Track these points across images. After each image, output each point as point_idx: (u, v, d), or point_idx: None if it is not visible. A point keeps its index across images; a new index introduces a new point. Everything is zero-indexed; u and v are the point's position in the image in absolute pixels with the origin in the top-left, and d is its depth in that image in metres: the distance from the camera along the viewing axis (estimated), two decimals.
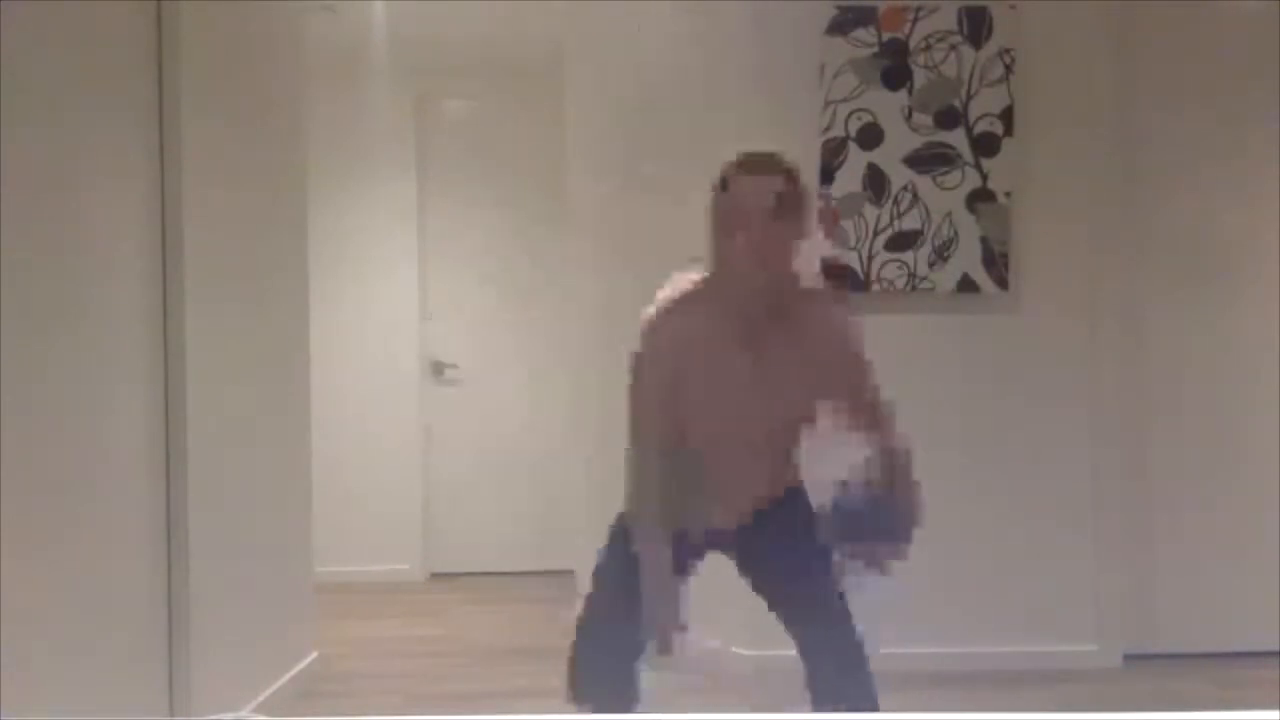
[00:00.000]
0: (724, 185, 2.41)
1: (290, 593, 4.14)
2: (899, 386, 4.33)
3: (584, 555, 4.96)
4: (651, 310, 2.58)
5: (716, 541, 2.70)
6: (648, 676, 2.80)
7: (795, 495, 2.74)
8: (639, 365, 2.60)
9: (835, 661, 2.63)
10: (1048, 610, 4.32)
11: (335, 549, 5.80)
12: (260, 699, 3.73)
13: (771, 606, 2.69)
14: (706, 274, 2.51)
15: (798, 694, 3.43)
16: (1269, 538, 4.38)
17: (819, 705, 2.63)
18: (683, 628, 2.54)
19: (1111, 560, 4.34)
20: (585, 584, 5.15)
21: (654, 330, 2.55)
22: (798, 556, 2.64)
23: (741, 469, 2.65)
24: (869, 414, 2.66)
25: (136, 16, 3.12)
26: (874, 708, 2.59)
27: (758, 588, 2.70)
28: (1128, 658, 4.31)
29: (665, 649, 2.51)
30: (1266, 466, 4.40)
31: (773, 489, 2.71)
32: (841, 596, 2.67)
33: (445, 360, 6.32)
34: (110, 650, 2.93)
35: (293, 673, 4.05)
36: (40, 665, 2.57)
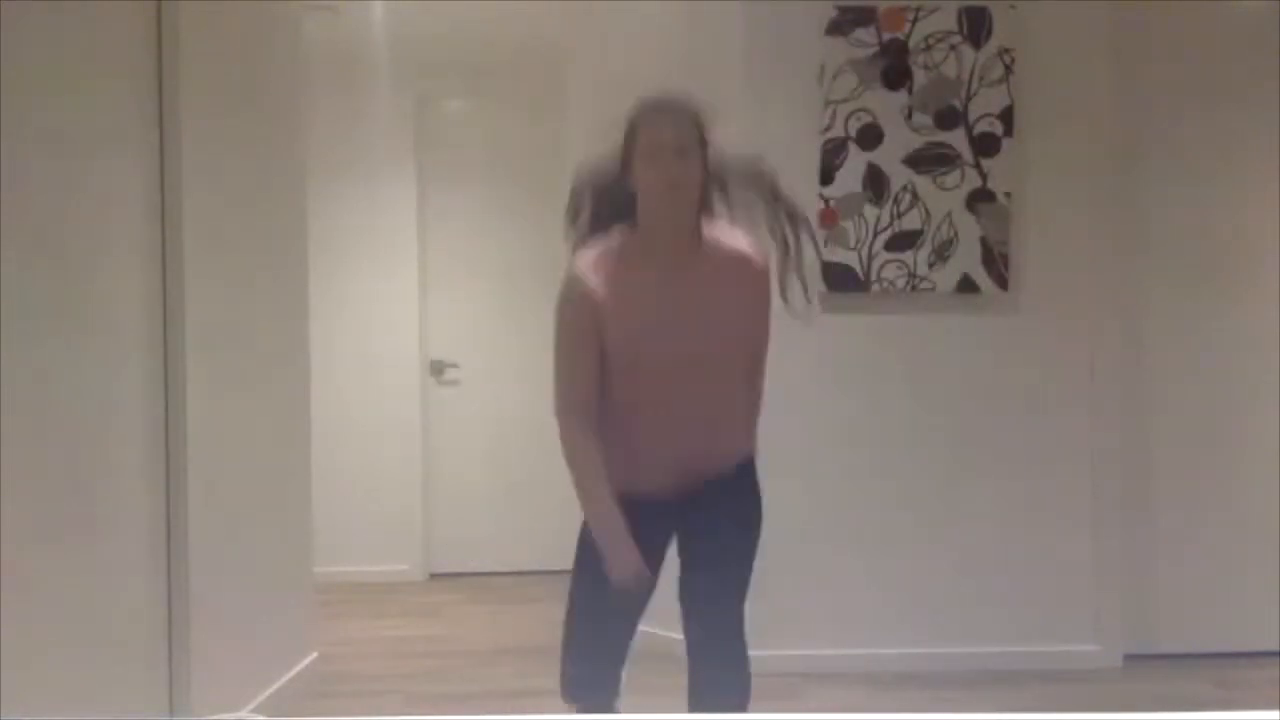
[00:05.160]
0: (638, 120, 2.60)
1: (290, 593, 4.14)
2: (899, 386, 4.37)
3: None
4: (575, 268, 2.67)
5: (672, 506, 2.72)
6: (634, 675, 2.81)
7: (744, 476, 2.78)
8: (561, 329, 2.75)
9: (720, 646, 2.71)
10: (1048, 610, 4.33)
11: (335, 549, 5.81)
12: (260, 699, 3.73)
13: (684, 565, 2.75)
14: (623, 231, 2.64)
15: (798, 694, 3.44)
16: (1269, 538, 4.38)
17: (695, 677, 2.70)
18: (643, 569, 2.58)
19: (1111, 560, 4.34)
20: None
21: (579, 287, 2.66)
22: (727, 541, 2.72)
23: (681, 420, 2.67)
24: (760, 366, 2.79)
25: (136, 17, 3.12)
26: (745, 695, 2.68)
27: (683, 546, 2.76)
28: (1128, 658, 4.32)
29: (627, 585, 2.57)
30: (1266, 467, 4.40)
31: (718, 450, 2.73)
32: (744, 586, 2.74)
33: (445, 360, 6.33)
34: (110, 650, 2.93)
35: (293, 673, 4.05)
36: (40, 665, 2.57)
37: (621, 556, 2.56)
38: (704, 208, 2.63)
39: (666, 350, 2.62)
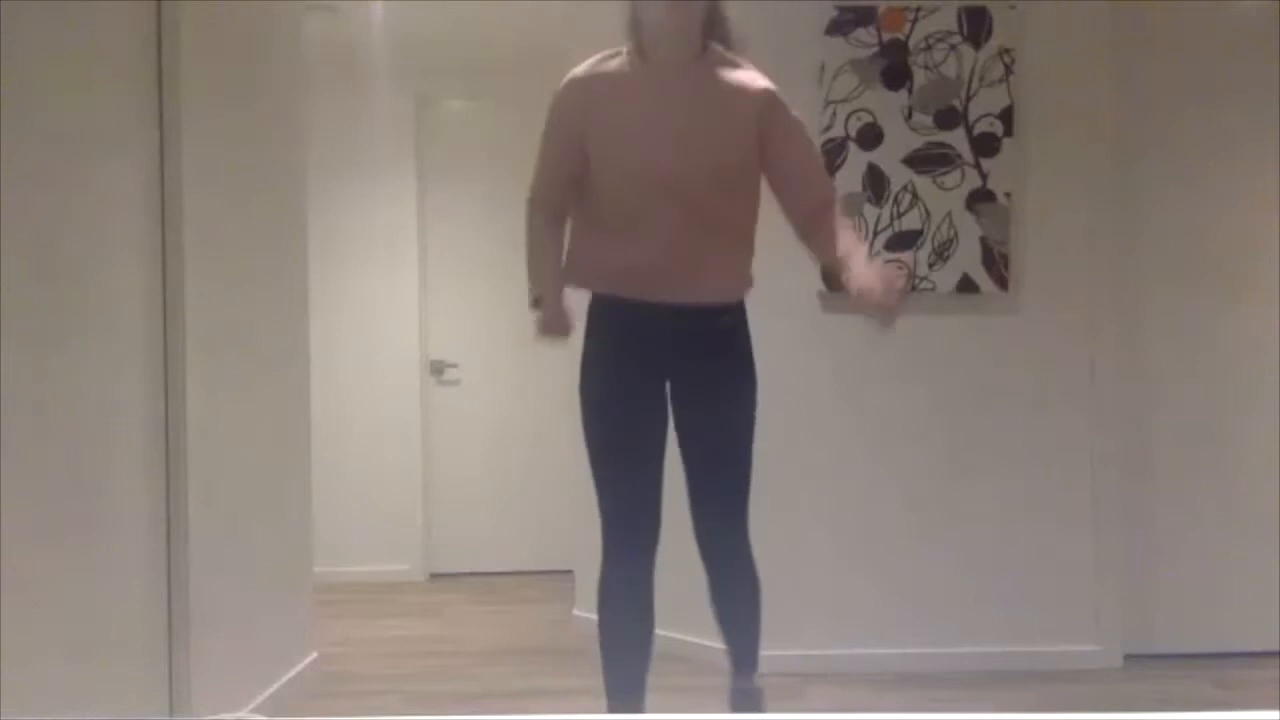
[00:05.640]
0: None
1: (290, 593, 4.14)
2: (899, 387, 4.37)
3: (584, 555, 4.97)
4: (571, 73, 2.73)
5: (648, 319, 2.73)
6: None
7: (734, 329, 2.78)
8: (546, 120, 2.78)
9: (721, 521, 2.79)
10: (1048, 610, 4.33)
11: (335, 549, 5.81)
12: (260, 699, 3.73)
13: (683, 444, 2.79)
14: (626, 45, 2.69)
15: (798, 694, 3.45)
16: (1268, 538, 4.38)
17: (711, 576, 2.79)
18: (564, 310, 2.71)
19: (1111, 560, 4.34)
20: (586, 583, 5.16)
21: (568, 88, 2.72)
22: (725, 420, 2.76)
23: (664, 234, 2.68)
24: (817, 186, 2.78)
25: (136, 17, 3.12)
26: (753, 575, 2.78)
27: (679, 423, 2.79)
28: (1128, 658, 4.32)
29: (550, 332, 2.71)
30: (1266, 467, 4.40)
31: (703, 276, 2.72)
32: (747, 464, 2.79)
33: (445, 360, 6.33)
34: (110, 650, 2.93)
35: (293, 673, 4.06)
36: (40, 665, 2.57)
37: (549, 313, 2.69)
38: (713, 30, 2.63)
39: (650, 160, 2.63)
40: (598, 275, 2.77)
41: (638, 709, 2.79)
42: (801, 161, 2.77)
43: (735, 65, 2.69)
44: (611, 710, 2.79)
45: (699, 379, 2.76)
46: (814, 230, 2.78)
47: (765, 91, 2.69)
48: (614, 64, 2.71)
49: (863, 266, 2.56)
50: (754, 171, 2.73)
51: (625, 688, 2.75)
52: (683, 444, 2.79)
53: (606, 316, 2.77)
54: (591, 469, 2.79)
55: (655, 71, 2.65)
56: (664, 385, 2.79)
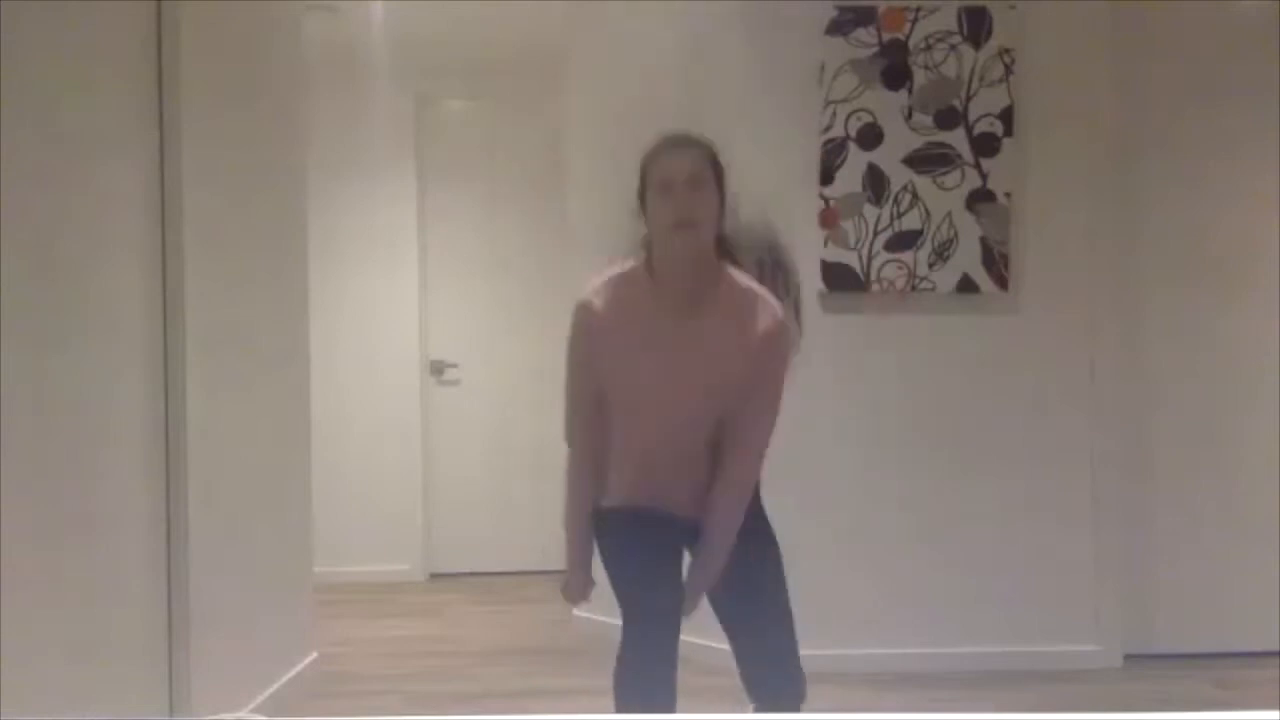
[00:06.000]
0: (654, 157, 2.59)
1: (290, 593, 4.14)
2: (899, 386, 4.37)
3: None
4: (585, 296, 2.63)
5: (681, 529, 2.72)
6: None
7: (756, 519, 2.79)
8: (568, 357, 2.69)
9: (771, 665, 2.79)
10: (1048, 610, 4.33)
11: (335, 549, 5.81)
12: (260, 699, 3.73)
13: (723, 622, 2.80)
14: (636, 260, 2.62)
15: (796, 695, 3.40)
16: (1268, 538, 4.38)
17: (755, 695, 2.78)
18: (589, 580, 2.79)
19: (1111, 560, 4.34)
20: None
21: (588, 316, 2.61)
22: (752, 564, 2.76)
23: (672, 459, 2.67)
24: (762, 432, 2.70)
25: (136, 17, 3.12)
26: (800, 699, 2.75)
27: (714, 602, 2.79)
28: (1128, 658, 4.32)
29: (569, 599, 2.85)
30: (1266, 467, 4.40)
31: (690, 493, 2.71)
32: (784, 596, 2.83)
33: (445, 360, 6.33)
34: (110, 650, 2.93)
35: (293, 673, 4.05)
36: (40, 665, 2.57)
37: (571, 577, 2.79)
38: (720, 250, 2.59)
39: (648, 387, 2.60)
40: (616, 492, 2.72)
41: None
42: (750, 403, 2.67)
43: (746, 297, 2.61)
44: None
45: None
46: (718, 458, 2.70)
47: (768, 336, 2.59)
48: (628, 291, 2.61)
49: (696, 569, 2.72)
50: (714, 409, 2.68)
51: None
52: (723, 622, 2.80)
53: (616, 520, 2.72)
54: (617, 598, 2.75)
55: (667, 307, 2.57)
56: (682, 549, 2.77)
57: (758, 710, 2.80)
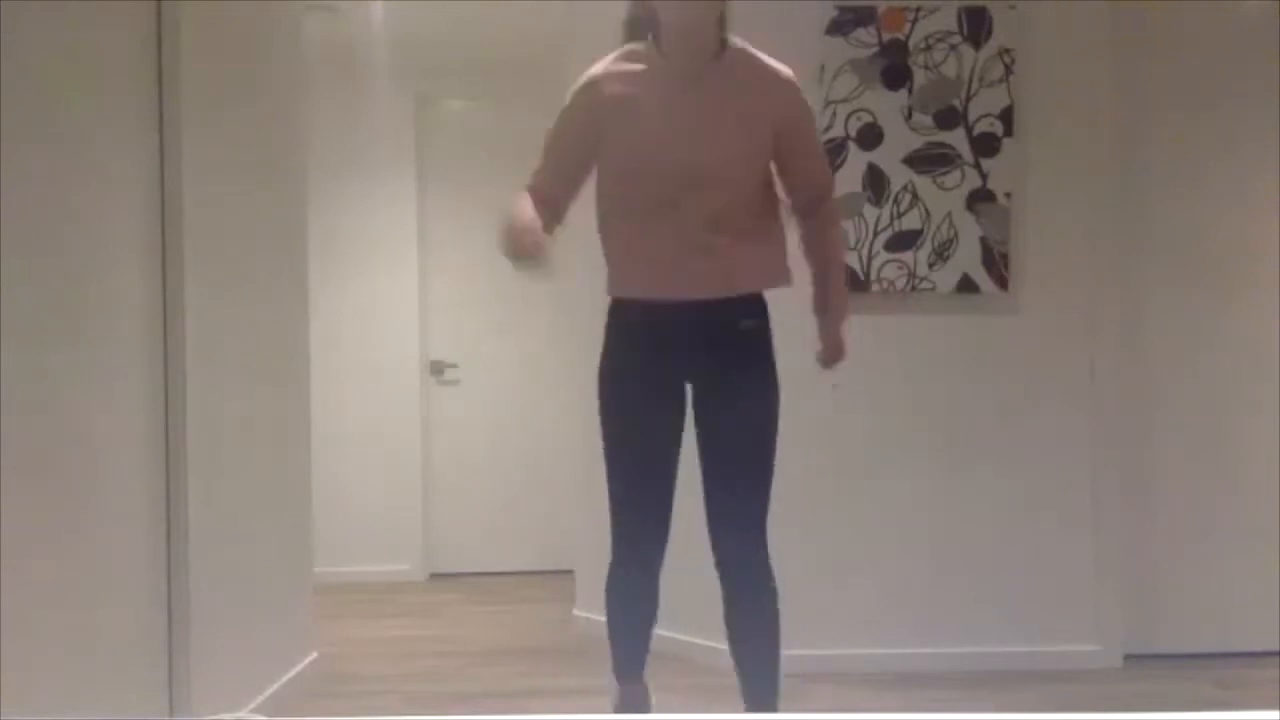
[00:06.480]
0: None
1: (290, 593, 4.14)
2: (899, 387, 4.37)
3: (584, 555, 4.98)
4: (591, 72, 2.68)
5: (669, 319, 2.69)
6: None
7: (757, 334, 2.75)
8: (560, 114, 2.72)
9: (739, 535, 2.73)
10: (1048, 610, 4.33)
11: (335, 549, 5.81)
12: (260, 699, 3.73)
13: (702, 451, 2.74)
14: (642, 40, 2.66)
15: (798, 694, 3.44)
16: (1269, 538, 4.38)
17: (724, 571, 2.73)
18: (540, 248, 2.49)
19: (1111, 560, 4.34)
20: (586, 583, 5.16)
21: (586, 87, 2.66)
22: (745, 428, 2.71)
23: (682, 233, 2.65)
24: (821, 177, 2.79)
25: (136, 17, 3.12)
26: (771, 589, 2.71)
27: (700, 427, 2.75)
28: (1128, 658, 4.32)
29: (521, 250, 2.48)
30: (1266, 467, 4.40)
31: (721, 277, 2.69)
32: (768, 475, 2.74)
33: (445, 360, 6.33)
34: (110, 650, 2.93)
35: (293, 673, 4.06)
36: (40, 665, 2.57)
37: (523, 231, 2.48)
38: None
39: (669, 159, 2.60)
40: (620, 279, 2.75)
41: (639, 687, 2.78)
42: (808, 154, 2.77)
43: (755, 59, 2.68)
44: (619, 682, 2.80)
45: (720, 383, 2.72)
46: (809, 231, 2.80)
47: (787, 86, 2.68)
48: (632, 63, 2.67)
49: (827, 330, 2.77)
50: (761, 167, 2.73)
51: (628, 671, 2.78)
52: (702, 451, 2.74)
53: (624, 318, 2.76)
54: (606, 464, 2.78)
55: (676, 69, 2.63)
56: (684, 387, 2.76)
57: (748, 709, 2.78)
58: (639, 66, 2.65)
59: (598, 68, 2.69)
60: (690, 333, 2.69)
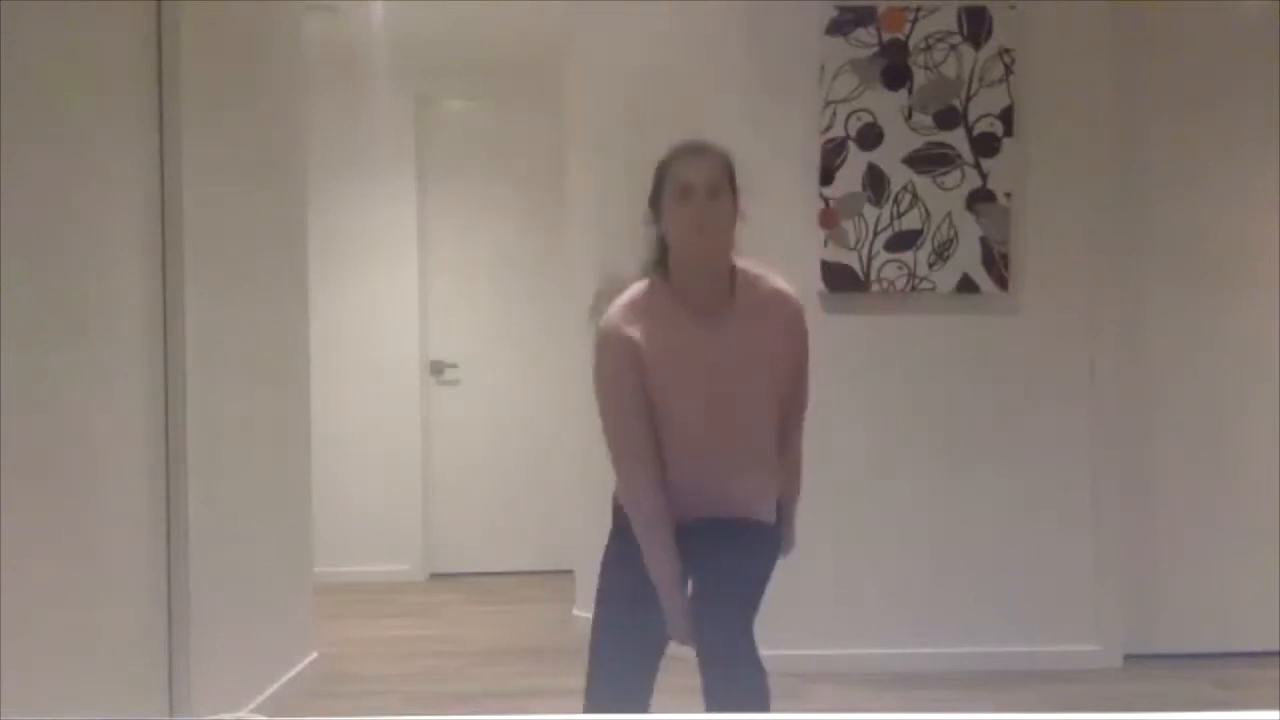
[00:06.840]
0: (672, 163, 2.58)
1: (290, 593, 4.14)
2: (899, 386, 4.37)
3: (584, 555, 4.97)
4: (609, 318, 2.59)
5: (688, 536, 2.67)
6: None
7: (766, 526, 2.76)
8: (604, 379, 2.61)
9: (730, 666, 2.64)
10: (1048, 610, 4.33)
11: (335, 549, 5.81)
12: (260, 699, 3.73)
13: (695, 584, 2.70)
14: (646, 275, 2.62)
15: (798, 694, 3.44)
16: (1269, 538, 4.38)
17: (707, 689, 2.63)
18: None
19: (1111, 560, 4.34)
20: (586, 583, 5.15)
21: (617, 336, 2.56)
22: (736, 560, 2.69)
23: (710, 462, 2.65)
24: (806, 395, 2.83)
25: (136, 17, 3.12)
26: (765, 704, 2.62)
27: (694, 566, 2.69)
28: (1128, 658, 4.32)
29: (684, 637, 2.58)
30: (1266, 467, 4.40)
31: (744, 496, 2.70)
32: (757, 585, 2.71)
33: (445, 360, 6.33)
34: (110, 650, 2.93)
35: (293, 673, 4.06)
36: (40, 665, 2.57)
37: (676, 619, 2.57)
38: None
39: (698, 394, 2.59)
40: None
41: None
42: (803, 377, 2.78)
43: (762, 283, 2.65)
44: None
45: (721, 553, 2.68)
46: (782, 435, 2.78)
47: (794, 315, 2.67)
48: (652, 307, 2.59)
49: (786, 523, 2.86)
50: (799, 378, 2.75)
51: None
52: (691, 570, 2.68)
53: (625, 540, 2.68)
54: (601, 587, 2.74)
55: (695, 307, 2.58)
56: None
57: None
58: (660, 311, 2.58)
59: (615, 314, 2.58)
60: (694, 537, 2.66)
